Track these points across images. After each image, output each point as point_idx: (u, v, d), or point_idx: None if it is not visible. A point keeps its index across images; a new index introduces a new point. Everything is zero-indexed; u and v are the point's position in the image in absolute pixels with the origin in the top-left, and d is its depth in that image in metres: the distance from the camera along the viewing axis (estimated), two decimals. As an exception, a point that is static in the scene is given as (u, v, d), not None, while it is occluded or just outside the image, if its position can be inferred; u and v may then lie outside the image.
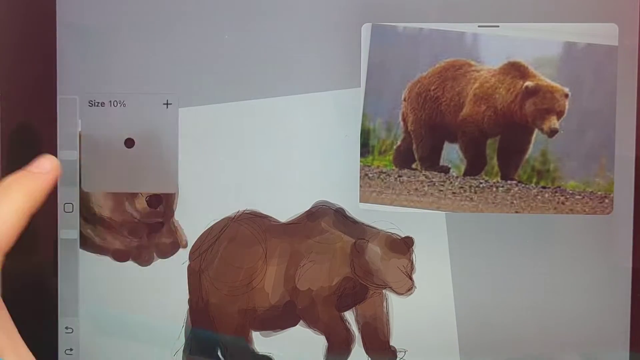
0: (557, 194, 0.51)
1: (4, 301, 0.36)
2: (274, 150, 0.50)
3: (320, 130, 0.52)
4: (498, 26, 0.50)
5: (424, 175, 0.51)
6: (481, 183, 0.51)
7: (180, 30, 0.52)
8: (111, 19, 0.52)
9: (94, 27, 0.53)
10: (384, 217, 0.51)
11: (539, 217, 0.51)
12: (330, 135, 0.51)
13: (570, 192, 0.51)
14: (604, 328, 0.51)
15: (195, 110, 0.48)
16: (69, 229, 0.53)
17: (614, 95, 0.50)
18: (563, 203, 0.51)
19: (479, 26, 0.50)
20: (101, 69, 0.53)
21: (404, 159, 0.52)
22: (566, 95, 0.50)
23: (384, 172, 0.51)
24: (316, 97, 0.51)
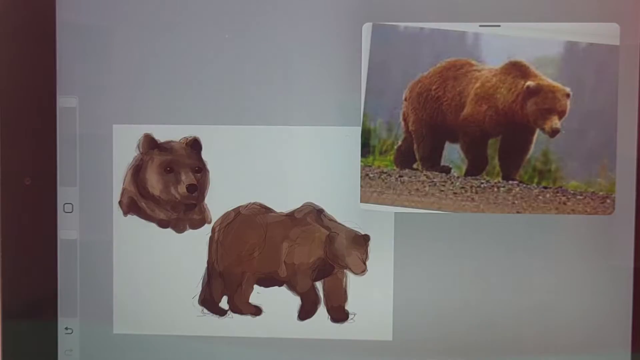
0: (558, 194, 0.51)
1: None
2: (278, 151, 0.52)
3: (320, 130, 0.51)
4: (499, 26, 0.50)
5: (425, 175, 0.51)
6: (482, 183, 0.51)
7: (180, 30, 0.52)
8: (111, 19, 0.52)
9: (94, 28, 0.53)
10: (385, 217, 0.51)
11: (541, 217, 0.51)
12: (331, 135, 0.51)
13: (572, 192, 0.50)
14: (605, 328, 0.51)
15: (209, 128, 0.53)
16: (69, 229, 0.53)
17: (615, 95, 0.50)
18: (564, 203, 0.51)
19: (480, 26, 0.50)
20: (101, 70, 0.53)
21: (405, 159, 0.51)
22: (567, 95, 0.50)
23: (385, 172, 0.51)
24: (316, 97, 0.51)
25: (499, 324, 0.52)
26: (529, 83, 0.50)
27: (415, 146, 0.51)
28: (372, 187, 0.51)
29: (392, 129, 0.51)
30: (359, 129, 0.51)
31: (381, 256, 0.52)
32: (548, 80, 0.50)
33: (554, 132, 0.50)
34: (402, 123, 0.51)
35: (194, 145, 0.53)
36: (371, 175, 0.51)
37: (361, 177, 0.51)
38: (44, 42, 0.52)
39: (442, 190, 0.51)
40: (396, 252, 0.52)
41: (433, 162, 0.51)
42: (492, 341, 0.52)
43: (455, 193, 0.51)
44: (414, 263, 0.52)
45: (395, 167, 0.51)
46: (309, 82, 0.51)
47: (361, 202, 0.51)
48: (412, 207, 0.51)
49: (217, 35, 0.52)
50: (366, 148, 0.51)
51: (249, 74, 0.52)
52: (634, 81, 0.50)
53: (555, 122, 0.50)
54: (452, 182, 0.51)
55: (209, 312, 0.53)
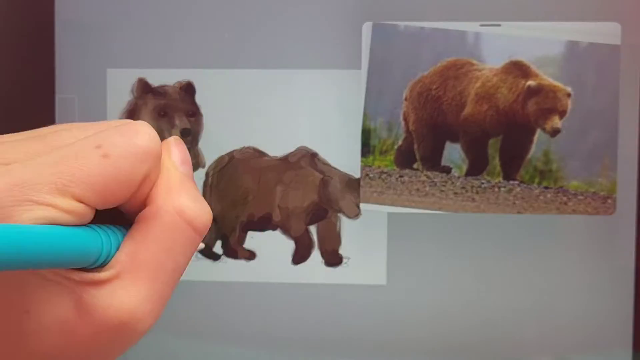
0: (559, 195, 0.50)
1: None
2: (272, 95, 0.53)
3: (321, 130, 0.51)
4: (500, 25, 0.50)
5: (425, 175, 0.51)
6: (483, 183, 0.51)
7: (179, 30, 0.52)
8: (110, 18, 0.52)
9: (93, 27, 0.52)
10: (385, 217, 0.51)
11: (541, 217, 0.51)
12: (331, 135, 0.51)
13: (573, 192, 0.50)
14: (606, 328, 0.51)
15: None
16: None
17: (616, 95, 0.50)
18: (565, 203, 0.50)
19: (480, 25, 0.50)
20: (100, 69, 0.52)
21: (405, 159, 0.51)
22: (568, 95, 0.50)
23: (385, 172, 0.51)
24: (317, 97, 0.51)
25: (499, 324, 0.52)
26: (530, 83, 0.50)
27: (415, 146, 0.51)
28: (372, 187, 0.51)
29: (393, 129, 0.51)
30: (359, 129, 0.51)
31: (377, 255, 0.52)
32: (549, 80, 0.50)
33: (554, 132, 0.50)
34: (403, 123, 0.51)
35: (188, 89, 0.52)
36: (371, 175, 0.51)
37: (361, 177, 0.51)
38: (43, 42, 0.52)
39: (443, 191, 0.51)
40: (395, 252, 0.52)
41: (433, 162, 0.51)
42: (492, 341, 0.52)
43: (455, 193, 0.51)
44: (413, 263, 0.52)
45: (395, 167, 0.51)
46: (309, 82, 0.51)
47: (361, 202, 0.51)
48: (413, 207, 0.51)
49: (217, 35, 0.52)
50: (366, 148, 0.51)
51: (248, 75, 0.52)
52: (635, 80, 0.50)
53: (556, 121, 0.50)
54: (453, 182, 0.51)
55: (202, 257, 0.54)
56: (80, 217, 0.20)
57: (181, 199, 0.22)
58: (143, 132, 0.21)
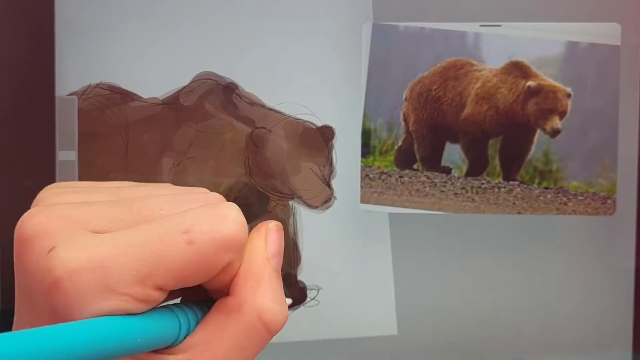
0: (559, 195, 0.50)
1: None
2: None
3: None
4: (500, 25, 0.50)
5: (425, 175, 0.51)
6: (483, 184, 0.51)
7: (179, 31, 0.52)
8: (110, 19, 0.52)
9: (93, 27, 0.52)
10: (385, 217, 0.51)
11: (541, 218, 0.51)
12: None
13: (573, 192, 0.50)
14: (606, 328, 0.51)
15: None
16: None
17: (616, 95, 0.50)
18: (565, 204, 0.50)
19: (480, 25, 0.50)
20: (100, 69, 0.52)
21: (405, 159, 0.51)
22: (568, 95, 0.50)
23: (385, 173, 0.51)
24: (317, 98, 0.51)
25: (499, 324, 0.52)
26: (530, 83, 0.50)
27: (415, 146, 0.51)
28: (372, 187, 0.51)
29: (393, 129, 0.51)
30: (359, 130, 0.51)
31: (378, 255, 0.52)
32: (549, 80, 0.50)
33: (554, 133, 0.50)
34: (403, 123, 0.51)
35: None
36: (371, 175, 0.51)
37: (361, 177, 0.51)
38: (43, 42, 0.52)
39: (443, 191, 0.51)
40: (395, 253, 0.52)
41: (433, 162, 0.51)
42: (491, 341, 0.52)
43: (455, 194, 0.51)
44: (414, 263, 0.52)
45: (395, 168, 0.51)
46: (309, 83, 0.51)
47: (361, 202, 0.51)
48: (413, 207, 0.51)
49: (216, 35, 0.52)
50: (366, 148, 0.51)
51: (248, 75, 0.52)
52: (635, 81, 0.50)
53: (556, 122, 0.50)
54: (453, 183, 0.51)
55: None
56: (155, 303, 0.20)
57: (265, 299, 0.22)
58: (231, 219, 0.21)
